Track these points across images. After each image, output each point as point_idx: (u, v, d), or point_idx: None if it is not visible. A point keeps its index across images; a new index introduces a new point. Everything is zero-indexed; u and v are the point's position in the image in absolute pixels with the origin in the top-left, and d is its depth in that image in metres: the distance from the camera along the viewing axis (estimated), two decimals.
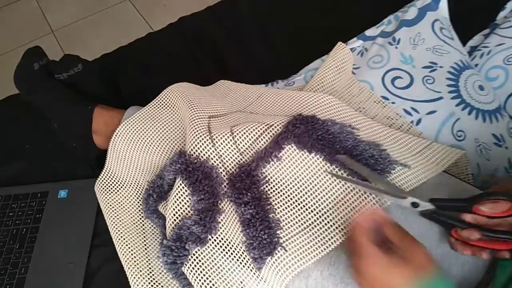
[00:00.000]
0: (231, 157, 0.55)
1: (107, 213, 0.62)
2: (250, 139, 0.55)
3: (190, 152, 0.55)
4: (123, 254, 0.58)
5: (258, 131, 0.55)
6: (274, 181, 0.53)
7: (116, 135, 0.63)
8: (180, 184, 0.53)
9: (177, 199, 0.53)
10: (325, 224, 0.48)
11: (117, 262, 0.58)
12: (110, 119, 0.67)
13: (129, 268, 0.56)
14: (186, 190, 0.53)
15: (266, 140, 0.55)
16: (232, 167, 0.55)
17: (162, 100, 0.66)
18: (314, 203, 0.50)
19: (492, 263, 0.47)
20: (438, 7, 0.73)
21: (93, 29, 1.63)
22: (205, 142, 0.55)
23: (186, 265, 0.49)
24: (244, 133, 0.55)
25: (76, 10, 1.70)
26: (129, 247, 0.59)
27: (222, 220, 0.51)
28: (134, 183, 0.64)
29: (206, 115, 0.60)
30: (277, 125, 0.56)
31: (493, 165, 0.61)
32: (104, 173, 0.65)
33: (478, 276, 0.47)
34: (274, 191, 0.53)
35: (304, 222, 0.49)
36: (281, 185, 0.53)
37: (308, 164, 0.52)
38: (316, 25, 0.87)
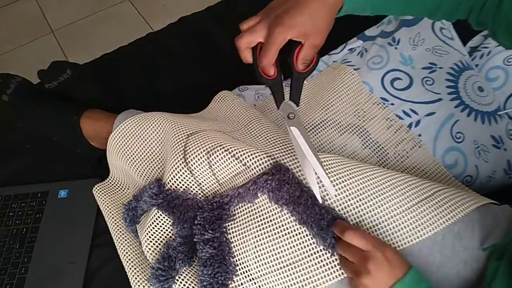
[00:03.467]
0: (209, 186, 0.55)
1: (106, 213, 0.63)
2: (228, 174, 0.54)
3: (168, 182, 0.55)
4: (124, 255, 0.58)
5: (236, 168, 0.54)
6: (240, 221, 0.52)
7: (109, 144, 0.64)
8: (159, 215, 0.55)
9: (156, 226, 0.55)
10: (280, 279, 0.48)
11: (117, 262, 0.58)
12: (99, 127, 0.67)
13: (130, 268, 0.56)
14: (166, 219, 0.55)
15: (243, 180, 0.54)
16: (210, 195, 0.55)
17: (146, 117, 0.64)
18: (273, 255, 0.48)
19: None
20: None
21: (93, 29, 1.63)
22: (183, 172, 0.54)
23: (176, 283, 0.52)
24: (222, 164, 0.54)
25: (76, 10, 1.70)
26: (130, 247, 0.59)
27: None
28: (132, 186, 0.65)
29: (185, 133, 0.58)
30: (255, 167, 0.53)
31: (491, 167, 0.61)
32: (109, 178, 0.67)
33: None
34: (237, 231, 0.51)
35: (260, 271, 0.48)
36: (246, 228, 0.51)
37: (278, 219, 0.50)
38: None
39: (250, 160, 0.53)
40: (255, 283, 0.48)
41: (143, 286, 0.54)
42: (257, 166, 0.53)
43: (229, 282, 0.48)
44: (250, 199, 0.52)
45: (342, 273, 0.46)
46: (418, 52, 0.68)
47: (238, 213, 0.53)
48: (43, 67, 0.72)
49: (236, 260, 0.50)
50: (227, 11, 0.92)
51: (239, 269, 0.49)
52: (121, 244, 0.59)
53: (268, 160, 0.53)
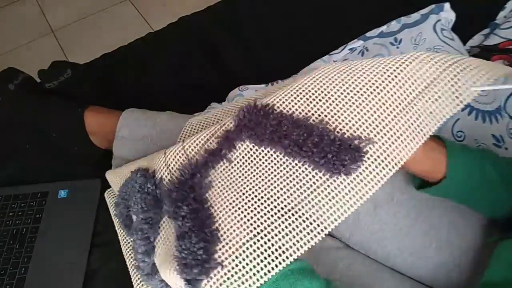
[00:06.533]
0: (179, 165, 0.48)
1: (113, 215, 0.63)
2: (198, 143, 0.48)
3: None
4: (127, 255, 0.58)
5: (209, 133, 0.49)
6: (219, 185, 0.45)
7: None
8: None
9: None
10: (280, 231, 0.39)
11: (117, 262, 0.58)
12: (104, 119, 0.67)
13: (132, 269, 0.56)
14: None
15: (217, 142, 0.47)
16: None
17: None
18: (267, 207, 0.41)
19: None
20: (443, 11, 0.73)
21: (93, 29, 1.63)
22: (159, 160, 0.50)
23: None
24: (195, 139, 0.49)
25: (76, 10, 1.70)
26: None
27: (157, 243, 0.49)
28: None
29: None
30: (230, 123, 0.47)
31: None
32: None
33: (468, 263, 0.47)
34: (218, 197, 0.44)
35: (251, 231, 0.40)
36: (227, 190, 0.44)
37: (265, 164, 0.44)
38: (316, 26, 0.87)
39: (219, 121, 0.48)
40: (245, 249, 0.39)
41: None
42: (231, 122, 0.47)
43: (213, 255, 0.39)
44: (227, 151, 0.45)
45: (363, 196, 0.39)
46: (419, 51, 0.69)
47: (215, 177, 0.45)
48: (43, 67, 0.71)
49: (221, 228, 0.41)
50: (227, 11, 0.92)
51: (225, 238, 0.40)
52: (125, 244, 0.59)
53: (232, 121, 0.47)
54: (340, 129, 0.41)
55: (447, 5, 0.73)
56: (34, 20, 1.69)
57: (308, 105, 0.44)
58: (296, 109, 0.44)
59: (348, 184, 0.39)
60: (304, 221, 0.39)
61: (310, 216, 0.39)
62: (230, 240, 0.40)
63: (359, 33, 0.77)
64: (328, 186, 0.40)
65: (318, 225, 0.39)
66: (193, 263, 0.39)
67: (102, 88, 0.79)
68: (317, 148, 0.40)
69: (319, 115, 0.42)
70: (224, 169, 0.46)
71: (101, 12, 1.69)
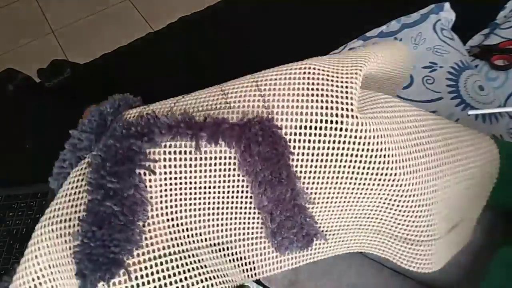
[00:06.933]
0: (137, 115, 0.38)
1: None
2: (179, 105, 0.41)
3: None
4: None
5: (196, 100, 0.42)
6: (165, 169, 0.35)
7: None
8: None
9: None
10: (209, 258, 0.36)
11: None
12: None
13: None
14: None
15: (204, 118, 0.37)
16: None
17: None
18: (206, 227, 0.36)
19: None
20: (443, 10, 0.73)
21: (93, 29, 1.63)
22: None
23: None
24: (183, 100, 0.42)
25: (76, 10, 1.70)
26: None
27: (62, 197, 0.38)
28: None
29: None
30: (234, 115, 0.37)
31: None
32: None
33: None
34: (158, 184, 0.35)
35: (176, 245, 0.34)
36: (174, 183, 0.35)
37: (228, 184, 0.36)
38: (316, 26, 0.87)
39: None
40: (165, 262, 0.32)
41: None
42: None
43: (126, 256, 0.31)
44: (200, 137, 0.34)
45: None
46: (419, 51, 0.68)
47: (165, 155, 0.34)
48: (43, 67, 0.72)
49: (147, 226, 0.33)
50: (227, 10, 0.92)
51: (148, 240, 0.33)
52: None
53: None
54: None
55: (447, 5, 0.73)
56: (34, 20, 1.69)
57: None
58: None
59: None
60: (235, 260, 0.37)
61: (241, 257, 0.37)
62: (152, 244, 0.33)
63: (359, 33, 0.77)
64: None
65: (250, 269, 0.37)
66: (101, 259, 0.31)
67: (102, 88, 0.79)
68: (287, 228, 0.36)
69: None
70: (182, 152, 0.35)
71: (101, 12, 1.69)
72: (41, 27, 1.66)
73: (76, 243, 0.32)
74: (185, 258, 0.33)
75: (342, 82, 0.36)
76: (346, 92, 0.36)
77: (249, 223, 0.37)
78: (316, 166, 0.36)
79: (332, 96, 0.36)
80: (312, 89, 0.37)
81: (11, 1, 1.77)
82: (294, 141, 0.36)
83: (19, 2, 1.77)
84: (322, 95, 0.36)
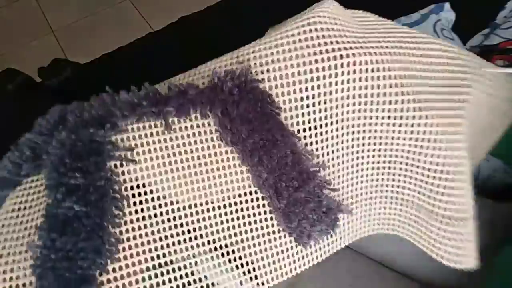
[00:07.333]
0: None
1: None
2: None
3: None
4: None
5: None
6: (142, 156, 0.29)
7: None
8: None
9: None
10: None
11: None
12: None
13: None
14: None
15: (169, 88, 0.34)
16: None
17: None
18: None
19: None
20: (443, 10, 0.73)
21: (93, 29, 1.63)
22: None
23: None
24: None
25: (76, 10, 1.70)
26: None
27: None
28: None
29: None
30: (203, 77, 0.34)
31: (491, 165, 0.61)
32: None
33: None
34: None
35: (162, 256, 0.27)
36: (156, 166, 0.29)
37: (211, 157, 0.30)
38: None
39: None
40: (149, 277, 0.26)
41: None
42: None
43: (97, 272, 0.25)
44: (167, 112, 0.29)
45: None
46: None
47: (135, 140, 0.29)
48: (43, 67, 0.72)
49: (125, 233, 0.26)
50: (228, 10, 0.92)
51: (127, 250, 0.26)
52: None
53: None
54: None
55: (447, 5, 0.73)
56: (34, 20, 1.69)
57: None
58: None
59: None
60: (242, 265, 0.29)
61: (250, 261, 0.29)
62: (132, 256, 0.25)
63: None
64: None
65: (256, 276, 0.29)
66: (67, 275, 0.24)
67: (102, 88, 0.79)
68: (300, 203, 0.28)
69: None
70: (153, 133, 0.29)
71: (101, 12, 1.69)
72: (41, 27, 1.65)
73: (34, 256, 0.25)
74: (178, 270, 0.26)
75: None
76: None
77: (259, 213, 0.29)
78: (319, 119, 0.29)
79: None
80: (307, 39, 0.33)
81: (11, 1, 1.77)
82: (282, 94, 0.29)
83: (19, 2, 1.77)
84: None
